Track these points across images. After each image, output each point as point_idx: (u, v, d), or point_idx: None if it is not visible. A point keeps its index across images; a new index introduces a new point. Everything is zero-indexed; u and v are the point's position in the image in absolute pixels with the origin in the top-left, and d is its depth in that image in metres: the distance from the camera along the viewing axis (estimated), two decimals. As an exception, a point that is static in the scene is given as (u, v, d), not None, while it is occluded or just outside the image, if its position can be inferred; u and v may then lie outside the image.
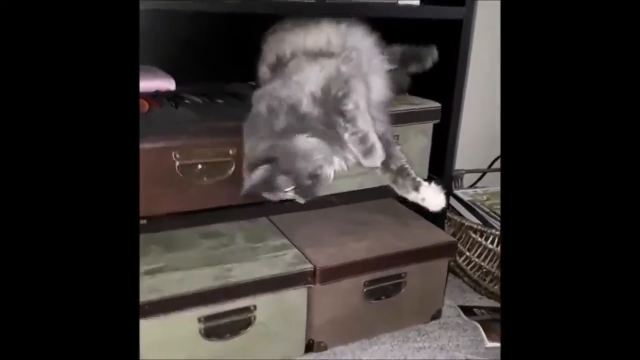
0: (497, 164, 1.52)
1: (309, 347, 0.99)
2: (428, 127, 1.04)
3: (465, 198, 1.30)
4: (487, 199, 1.31)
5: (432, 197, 0.93)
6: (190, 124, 0.84)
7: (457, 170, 1.42)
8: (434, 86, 1.03)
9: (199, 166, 0.86)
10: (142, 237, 0.67)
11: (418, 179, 0.94)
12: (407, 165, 0.94)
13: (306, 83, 0.85)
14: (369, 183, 1.01)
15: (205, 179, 0.87)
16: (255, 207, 0.93)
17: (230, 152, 0.88)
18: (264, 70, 0.95)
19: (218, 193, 0.89)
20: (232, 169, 0.88)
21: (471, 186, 1.45)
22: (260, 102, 0.86)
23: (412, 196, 0.94)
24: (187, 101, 0.88)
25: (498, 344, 1.05)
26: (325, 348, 1.00)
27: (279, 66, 0.91)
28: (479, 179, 1.49)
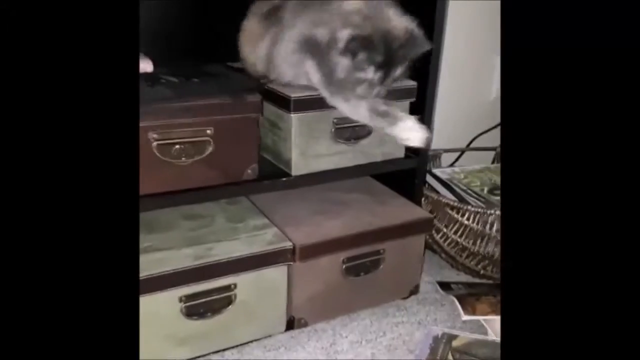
0: (475, 144, 1.54)
1: (290, 324, 1.01)
2: (404, 105, 1.05)
3: (443, 177, 1.32)
4: (465, 177, 1.33)
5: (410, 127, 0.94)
6: (167, 102, 0.84)
7: (435, 149, 1.44)
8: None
9: (177, 146, 0.87)
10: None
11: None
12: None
13: None
14: (345, 162, 1.02)
15: (183, 158, 0.88)
16: (235, 186, 0.94)
17: (208, 131, 0.88)
18: (254, 21, 1.02)
19: (197, 173, 0.89)
20: (211, 148, 0.89)
21: (450, 165, 1.48)
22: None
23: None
24: (162, 80, 0.87)
25: (474, 317, 1.08)
26: (306, 324, 1.02)
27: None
28: (457, 158, 1.51)
